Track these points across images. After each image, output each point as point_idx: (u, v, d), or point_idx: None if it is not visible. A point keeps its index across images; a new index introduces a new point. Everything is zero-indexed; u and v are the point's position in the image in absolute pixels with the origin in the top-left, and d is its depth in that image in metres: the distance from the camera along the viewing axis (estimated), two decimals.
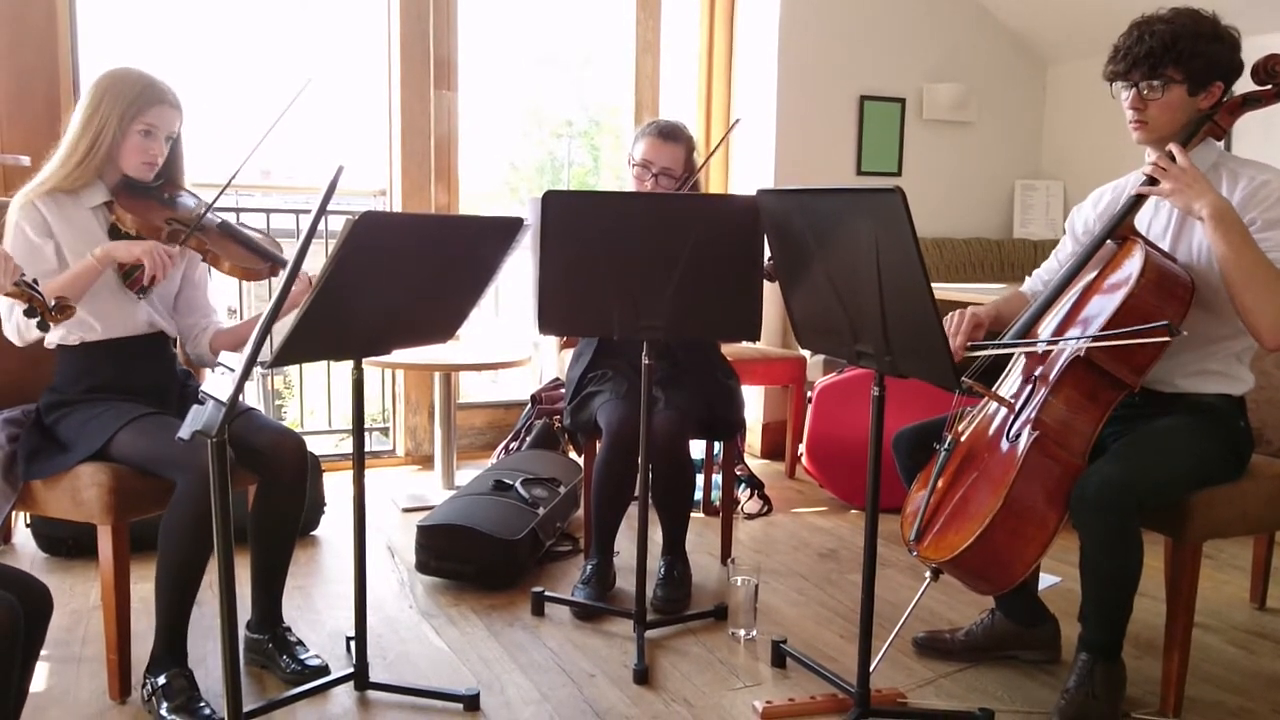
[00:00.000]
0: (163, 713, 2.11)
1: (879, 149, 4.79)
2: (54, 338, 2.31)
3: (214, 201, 2.36)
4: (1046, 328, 2.22)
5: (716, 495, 3.69)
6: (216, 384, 1.63)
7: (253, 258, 2.37)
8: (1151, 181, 2.12)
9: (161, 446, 2.14)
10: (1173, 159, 2.08)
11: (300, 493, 2.34)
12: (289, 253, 2.22)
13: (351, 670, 2.30)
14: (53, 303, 1.88)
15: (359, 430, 2.23)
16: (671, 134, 2.94)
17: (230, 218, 2.49)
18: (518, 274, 2.89)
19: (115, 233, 2.30)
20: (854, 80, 4.71)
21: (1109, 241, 2.21)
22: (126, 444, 2.17)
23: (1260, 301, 2.00)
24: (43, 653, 2.47)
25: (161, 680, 2.14)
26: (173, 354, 2.46)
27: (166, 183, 2.39)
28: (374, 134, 4.35)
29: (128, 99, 2.25)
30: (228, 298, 4.33)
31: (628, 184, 3.02)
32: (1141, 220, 2.27)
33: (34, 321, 1.88)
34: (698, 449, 3.64)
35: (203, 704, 2.12)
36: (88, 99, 2.27)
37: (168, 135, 2.32)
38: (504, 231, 2.16)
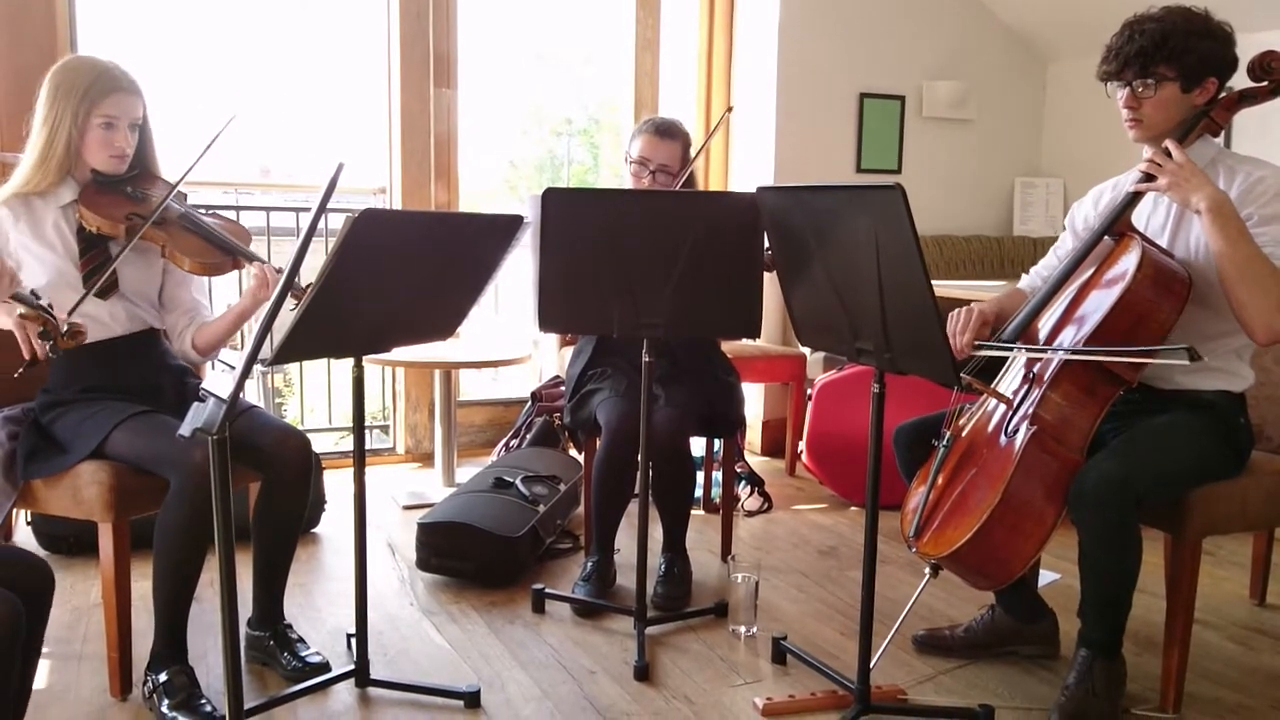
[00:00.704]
0: (164, 710, 2.11)
1: (879, 146, 4.79)
2: None
3: (171, 190, 2.27)
4: (1045, 324, 2.23)
5: (717, 492, 3.69)
6: (217, 381, 1.63)
7: (211, 251, 2.29)
8: (1149, 178, 2.12)
9: (155, 445, 2.14)
10: (1169, 155, 2.09)
11: (304, 491, 2.34)
12: (288, 250, 2.21)
13: (352, 667, 2.30)
14: (65, 328, 1.86)
15: (359, 428, 2.23)
16: (668, 131, 2.94)
17: (227, 213, 2.46)
18: (518, 272, 2.90)
19: (82, 232, 2.25)
20: (854, 78, 4.71)
21: (1106, 238, 2.21)
22: (121, 443, 2.17)
23: (1254, 296, 2.01)
24: (43, 650, 2.48)
25: (162, 677, 2.14)
26: (164, 349, 2.43)
27: (141, 174, 2.33)
28: (374, 132, 4.35)
29: (80, 92, 2.18)
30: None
31: (626, 182, 3.03)
32: (1139, 217, 2.27)
33: (47, 345, 1.87)
34: (698, 446, 3.64)
35: (204, 701, 2.13)
36: (42, 96, 2.21)
37: (131, 124, 2.25)
38: (504, 229, 2.16)
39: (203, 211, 2.42)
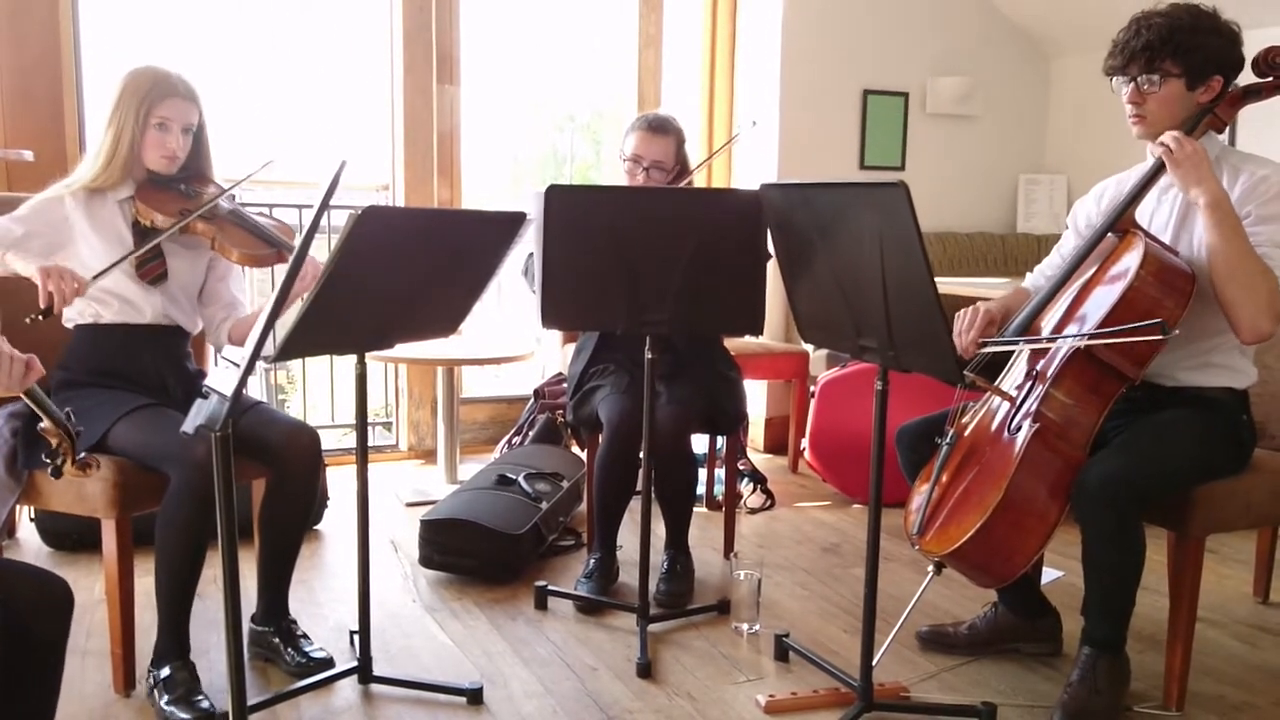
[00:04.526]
0: (162, 705, 2.11)
1: (882, 143, 4.79)
2: (71, 314, 2.33)
3: (221, 194, 2.38)
4: (1049, 322, 2.22)
5: (719, 490, 3.69)
6: (220, 378, 1.63)
7: (258, 244, 2.39)
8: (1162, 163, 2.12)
9: (157, 440, 2.15)
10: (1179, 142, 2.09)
11: (312, 487, 2.35)
12: (294, 246, 2.22)
13: (355, 664, 2.30)
14: (80, 456, 1.70)
15: (362, 425, 2.24)
16: (660, 127, 2.94)
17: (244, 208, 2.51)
18: (521, 268, 2.89)
19: (137, 225, 2.34)
20: (857, 74, 4.71)
21: (1110, 234, 2.21)
22: (123, 436, 2.18)
23: (1242, 295, 2.01)
24: None
25: (164, 672, 2.15)
26: (186, 350, 2.47)
27: (192, 175, 2.41)
28: (377, 128, 4.34)
29: (140, 95, 2.28)
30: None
31: (623, 179, 3.02)
32: (1143, 214, 2.27)
33: (54, 463, 1.68)
34: (700, 443, 3.64)
35: (201, 697, 2.13)
36: (111, 99, 2.32)
37: (184, 128, 2.34)
38: (506, 226, 2.16)
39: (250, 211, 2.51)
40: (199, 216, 2.31)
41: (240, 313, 2.54)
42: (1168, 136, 2.10)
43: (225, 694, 1.74)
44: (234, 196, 2.45)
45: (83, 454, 1.72)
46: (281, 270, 2.51)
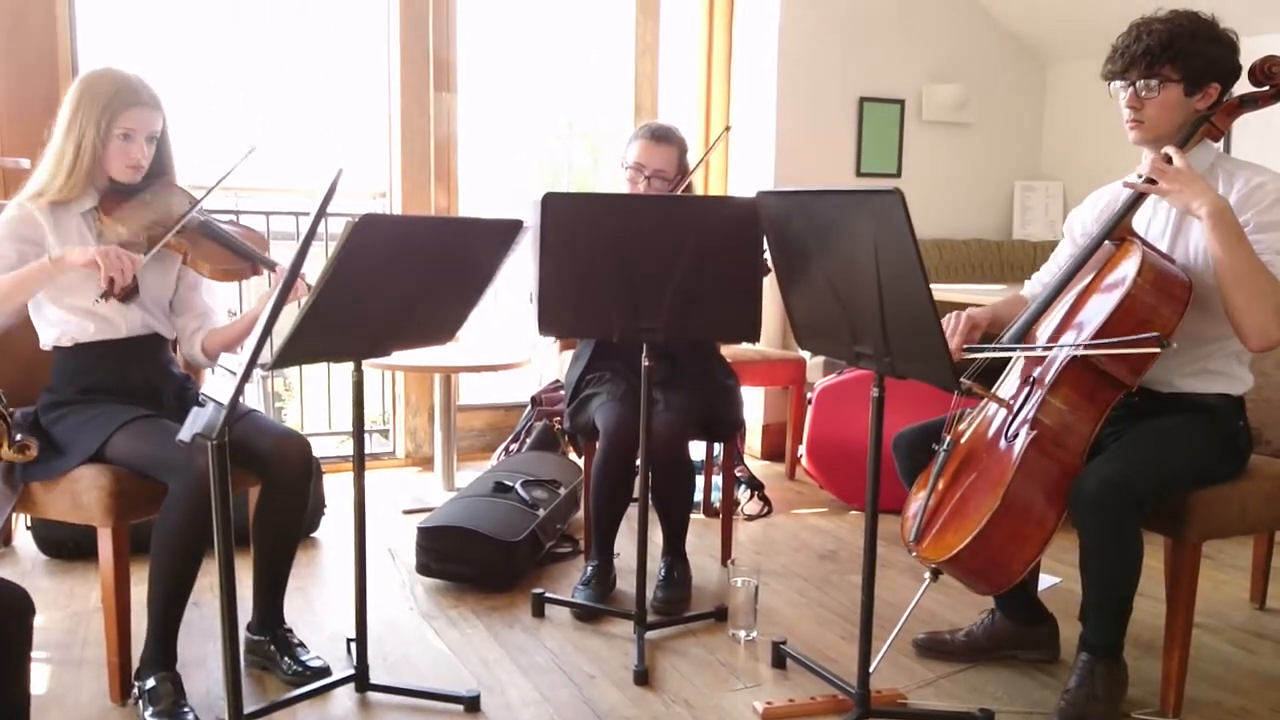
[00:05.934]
0: (147, 717, 2.10)
1: (878, 150, 4.79)
2: (49, 339, 2.31)
3: (192, 208, 2.32)
4: (1045, 329, 2.23)
5: (716, 496, 3.69)
6: (217, 386, 1.63)
7: (232, 258, 2.35)
8: (1150, 181, 2.12)
9: (156, 449, 2.14)
10: (1169, 161, 2.09)
11: (304, 495, 2.34)
12: (288, 254, 2.22)
13: (352, 672, 2.30)
14: (17, 438, 1.79)
15: (359, 432, 2.23)
16: (663, 136, 2.94)
17: (222, 218, 2.47)
18: (518, 275, 2.89)
19: (103, 238, 2.27)
20: (853, 81, 4.72)
21: (1106, 242, 2.21)
22: (122, 447, 2.17)
23: (1250, 303, 2.01)
24: (44, 654, 2.48)
25: (149, 684, 2.13)
26: (169, 356, 2.45)
27: (157, 183, 2.35)
28: (374, 136, 4.34)
29: (101, 104, 2.20)
30: (228, 300, 4.32)
31: (624, 187, 3.03)
32: (1139, 221, 2.27)
33: None
34: (698, 450, 3.63)
35: (186, 709, 2.11)
36: (66, 107, 2.24)
37: (149, 136, 2.28)
38: (503, 233, 2.16)
39: (220, 218, 2.47)
40: (174, 233, 2.25)
41: (213, 321, 2.49)
42: (1153, 170, 2.09)
43: (220, 704, 1.74)
44: (203, 208, 2.39)
45: (19, 436, 1.79)
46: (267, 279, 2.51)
